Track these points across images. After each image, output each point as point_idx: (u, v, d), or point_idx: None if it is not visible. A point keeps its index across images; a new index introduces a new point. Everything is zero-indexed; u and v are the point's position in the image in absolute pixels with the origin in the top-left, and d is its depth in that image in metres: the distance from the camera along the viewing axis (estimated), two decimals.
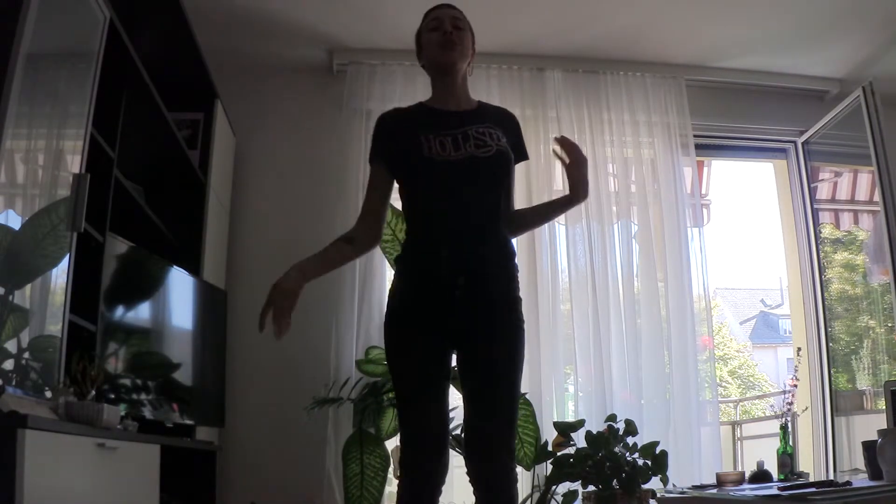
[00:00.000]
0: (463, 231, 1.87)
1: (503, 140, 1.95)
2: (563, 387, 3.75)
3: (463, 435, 1.92)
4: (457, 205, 1.88)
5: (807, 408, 4.00)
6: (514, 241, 2.05)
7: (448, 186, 1.88)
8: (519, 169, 4.11)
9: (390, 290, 1.95)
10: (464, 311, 1.84)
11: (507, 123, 2.04)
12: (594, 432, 3.07)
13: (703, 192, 4.47)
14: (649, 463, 2.99)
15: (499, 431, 1.82)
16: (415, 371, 1.86)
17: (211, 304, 3.34)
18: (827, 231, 4.27)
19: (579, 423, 3.22)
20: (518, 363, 1.88)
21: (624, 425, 3.09)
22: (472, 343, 1.87)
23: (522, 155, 2.06)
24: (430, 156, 1.88)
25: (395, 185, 2.00)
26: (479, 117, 1.99)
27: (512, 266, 1.94)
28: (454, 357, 1.93)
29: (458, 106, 2.01)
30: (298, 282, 1.90)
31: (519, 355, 1.89)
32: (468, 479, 1.86)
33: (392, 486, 3.17)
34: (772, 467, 3.22)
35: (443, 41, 1.96)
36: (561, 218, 3.91)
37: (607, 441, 3.01)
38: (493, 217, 1.92)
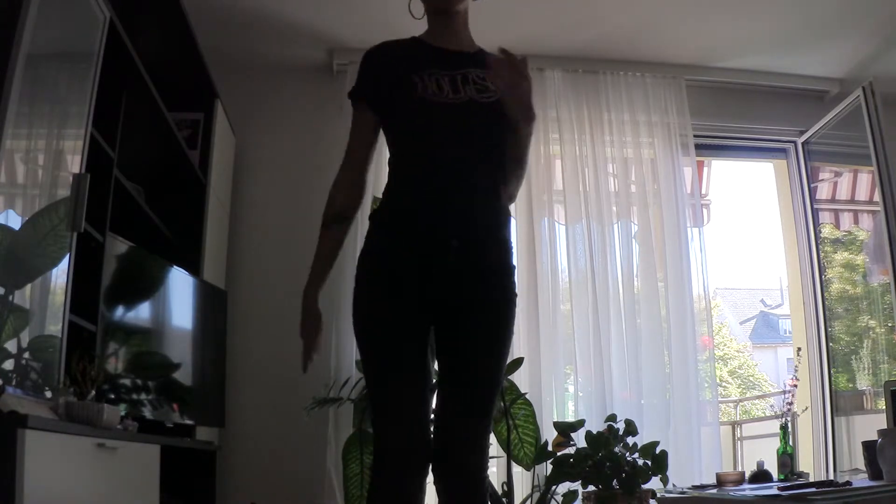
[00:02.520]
0: (459, 187, 1.65)
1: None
2: (563, 387, 3.75)
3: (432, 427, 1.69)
4: (453, 155, 1.66)
5: (807, 408, 4.00)
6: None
7: (443, 133, 1.67)
8: None
9: (362, 252, 1.71)
10: (453, 280, 1.63)
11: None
12: (594, 432, 3.07)
13: (703, 192, 4.47)
14: (649, 463, 2.99)
15: (470, 430, 1.61)
16: (392, 347, 1.62)
17: (211, 304, 3.34)
18: (827, 231, 4.27)
19: (579, 423, 3.22)
20: (505, 339, 1.68)
21: (624, 425, 3.08)
22: (455, 316, 1.65)
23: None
24: (423, 96, 1.65)
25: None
26: (479, 62, 1.73)
27: (508, 230, 1.74)
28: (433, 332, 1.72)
29: (458, 45, 1.79)
30: (315, 308, 1.76)
31: (507, 330, 1.69)
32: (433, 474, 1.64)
33: None
34: (772, 467, 3.22)
35: None
36: (561, 218, 3.92)
37: (607, 441, 3.01)
38: (493, 173, 1.71)
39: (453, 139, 1.67)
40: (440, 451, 1.62)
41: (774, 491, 2.45)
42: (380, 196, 1.79)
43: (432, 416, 1.69)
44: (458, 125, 1.67)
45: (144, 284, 2.82)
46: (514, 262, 1.76)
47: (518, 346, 3.62)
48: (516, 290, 1.73)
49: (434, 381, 1.79)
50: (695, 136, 4.06)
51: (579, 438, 3.15)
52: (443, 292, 1.64)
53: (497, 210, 1.72)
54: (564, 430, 3.19)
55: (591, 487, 2.99)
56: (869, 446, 2.73)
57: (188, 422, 3.02)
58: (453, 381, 1.67)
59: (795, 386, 3.68)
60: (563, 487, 3.16)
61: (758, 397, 12.82)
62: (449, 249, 1.62)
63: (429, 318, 1.67)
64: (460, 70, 1.72)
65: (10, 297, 1.88)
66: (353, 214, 1.79)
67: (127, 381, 2.59)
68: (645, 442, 3.07)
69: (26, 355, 1.93)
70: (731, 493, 2.66)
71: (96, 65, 2.28)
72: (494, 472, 3.43)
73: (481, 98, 1.69)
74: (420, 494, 1.62)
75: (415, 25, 2.06)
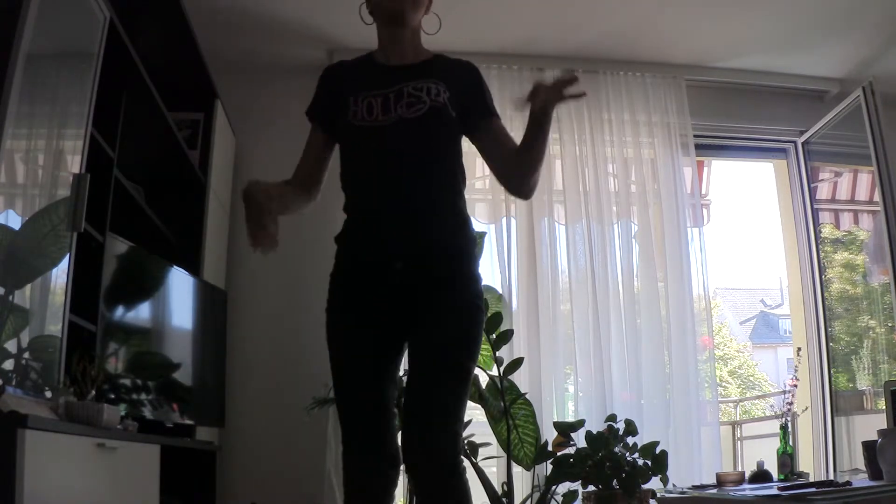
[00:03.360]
0: (397, 207, 1.67)
1: (443, 95, 1.71)
2: (563, 387, 3.75)
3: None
4: (387, 177, 1.68)
5: (807, 408, 4.00)
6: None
7: (373, 155, 1.70)
8: None
9: (331, 273, 1.79)
10: (404, 298, 1.66)
11: (461, 75, 1.79)
12: (594, 432, 3.07)
13: (703, 192, 4.47)
14: (649, 463, 2.99)
15: (431, 432, 1.59)
16: (350, 366, 1.70)
17: (211, 304, 3.34)
18: (827, 231, 4.27)
19: (579, 423, 3.22)
20: (467, 345, 1.67)
21: (624, 425, 3.09)
22: (416, 330, 1.68)
23: (485, 110, 1.78)
24: (352, 121, 1.69)
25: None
26: (423, 72, 1.75)
27: (462, 240, 1.72)
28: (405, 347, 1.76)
29: (401, 59, 1.78)
30: (255, 192, 1.66)
31: (469, 337, 1.68)
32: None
33: None
34: (772, 467, 3.22)
35: None
36: (561, 218, 3.92)
37: (607, 441, 3.01)
38: (435, 185, 1.70)
39: (384, 160, 1.70)
40: (408, 446, 1.63)
41: (774, 491, 2.45)
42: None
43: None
44: (387, 146, 1.69)
45: (144, 284, 2.82)
46: (476, 270, 1.75)
47: (518, 346, 3.62)
48: (478, 299, 1.72)
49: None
50: (695, 136, 4.06)
51: (579, 438, 3.16)
52: (397, 310, 1.69)
53: (441, 224, 1.71)
54: (564, 430, 3.19)
55: (591, 487, 2.99)
56: (869, 446, 2.73)
57: (188, 422, 3.02)
58: (422, 368, 1.67)
59: (795, 386, 3.68)
60: (563, 487, 3.16)
61: (758, 397, 12.82)
62: (394, 271, 1.66)
63: (392, 336, 1.72)
64: (395, 86, 1.72)
65: (10, 297, 1.88)
66: (302, 189, 1.87)
67: (127, 381, 2.59)
68: (645, 442, 3.07)
69: (26, 355, 1.93)
70: (731, 493, 2.66)
71: (96, 65, 2.28)
72: (494, 472, 3.43)
73: (410, 113, 1.68)
74: (385, 494, 1.68)
75: None
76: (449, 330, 1.66)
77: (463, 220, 1.75)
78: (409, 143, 1.69)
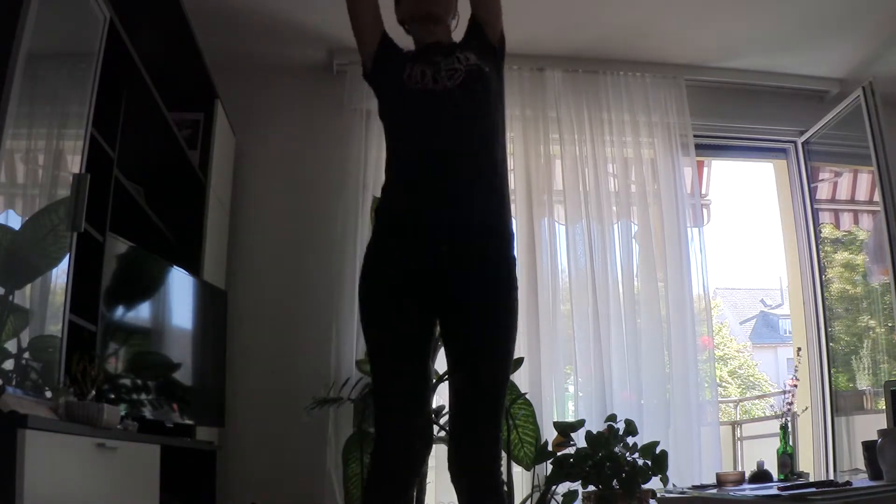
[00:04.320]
0: (447, 178, 1.71)
1: (472, 58, 1.82)
2: (563, 387, 3.75)
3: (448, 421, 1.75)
4: (434, 149, 1.73)
5: (807, 408, 4.00)
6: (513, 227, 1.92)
7: (425, 122, 1.76)
8: (519, 168, 4.10)
9: (367, 248, 1.80)
10: (448, 274, 1.70)
11: (471, 34, 1.94)
12: (594, 432, 3.07)
13: (703, 192, 4.47)
14: (649, 463, 2.99)
15: (482, 419, 1.65)
16: (393, 342, 1.70)
17: (211, 304, 3.34)
18: (827, 231, 4.27)
19: (579, 423, 3.22)
20: (509, 326, 1.73)
21: (624, 425, 3.09)
22: (457, 310, 1.71)
23: (497, 39, 1.94)
24: (408, 84, 1.77)
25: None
26: (453, 48, 1.89)
27: (506, 214, 1.77)
28: (438, 325, 1.79)
29: (437, 39, 1.93)
30: None
31: (511, 318, 1.74)
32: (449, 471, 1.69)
33: None
34: (772, 467, 3.22)
35: None
36: (561, 218, 3.92)
37: (607, 441, 3.01)
38: (483, 152, 1.76)
39: (434, 128, 1.75)
40: (455, 439, 1.68)
41: (774, 491, 2.45)
42: (378, 195, 1.85)
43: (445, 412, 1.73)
44: (441, 112, 1.75)
45: (144, 284, 2.82)
46: (515, 253, 1.80)
47: (518, 346, 3.58)
48: (516, 282, 1.76)
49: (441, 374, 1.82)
50: (695, 136, 4.06)
51: (579, 438, 3.16)
52: (440, 290, 1.71)
53: (491, 190, 1.74)
54: (564, 430, 3.19)
55: (591, 487, 2.99)
56: (869, 446, 2.73)
57: (188, 422, 3.02)
58: (462, 370, 1.71)
59: (795, 386, 3.68)
60: (563, 487, 3.16)
61: (758, 397, 12.81)
62: (440, 244, 1.68)
63: (429, 315, 1.74)
64: (436, 60, 1.82)
65: (10, 297, 1.89)
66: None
67: (127, 381, 2.59)
68: (645, 442, 3.08)
69: (26, 355, 1.93)
70: (731, 493, 2.66)
71: (96, 65, 2.28)
72: None
73: (453, 83, 1.76)
74: (414, 481, 1.69)
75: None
76: (495, 315, 1.70)
77: (502, 198, 1.78)
78: (457, 110, 1.75)
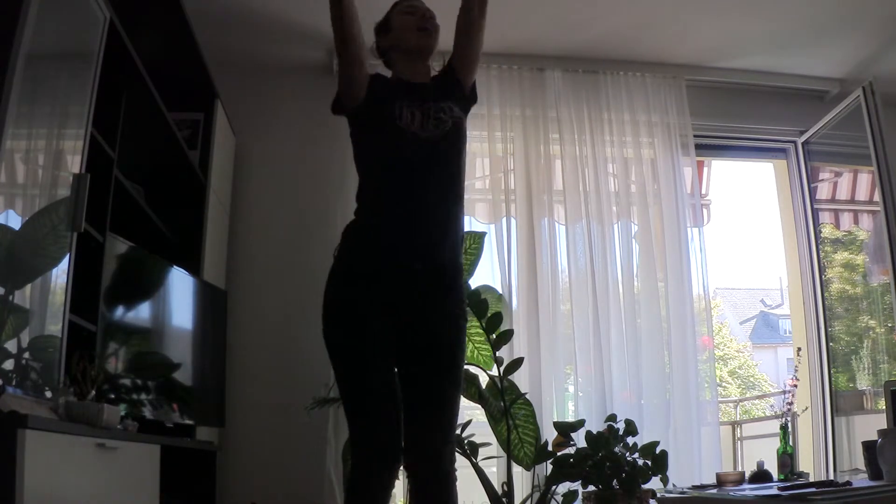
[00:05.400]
0: (421, 213, 1.85)
1: (456, 110, 1.96)
2: (563, 387, 3.75)
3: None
4: (414, 184, 1.86)
5: (807, 408, 4.00)
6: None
7: (407, 161, 1.87)
8: (519, 168, 4.10)
9: (332, 269, 1.92)
10: (414, 297, 1.84)
11: (450, 78, 2.04)
12: (594, 432, 3.07)
13: (703, 192, 4.47)
14: (649, 463, 2.99)
15: (435, 438, 1.79)
16: (367, 351, 1.82)
17: (211, 304, 3.34)
18: (827, 231, 4.27)
19: (579, 423, 3.22)
20: (462, 344, 1.88)
21: (624, 425, 3.09)
22: (417, 329, 1.85)
23: (471, 95, 2.06)
24: (399, 124, 1.86)
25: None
26: (439, 91, 2.00)
27: (460, 255, 1.94)
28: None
29: (425, 80, 2.04)
30: None
31: (463, 338, 1.90)
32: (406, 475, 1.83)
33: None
34: (772, 467, 3.22)
35: (423, 25, 1.98)
36: (561, 218, 3.92)
37: (607, 441, 3.01)
38: (453, 195, 1.91)
39: (414, 167, 1.86)
40: (411, 446, 1.79)
41: (774, 491, 2.45)
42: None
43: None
44: (420, 155, 1.86)
45: (144, 284, 2.82)
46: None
47: (518, 346, 3.62)
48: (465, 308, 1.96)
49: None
50: (695, 136, 4.06)
51: (579, 438, 3.16)
52: (407, 309, 1.84)
53: (454, 237, 1.90)
54: (564, 430, 3.19)
55: (591, 487, 2.99)
56: (869, 446, 2.73)
57: (188, 422, 3.02)
58: (420, 388, 1.84)
59: (795, 386, 3.68)
60: (563, 487, 3.16)
61: (758, 397, 12.82)
62: (412, 273, 1.83)
63: (393, 331, 1.85)
64: (426, 104, 1.92)
65: (10, 297, 1.88)
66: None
67: (127, 381, 2.59)
68: (645, 442, 3.08)
69: (26, 355, 1.93)
70: (731, 493, 2.66)
71: (96, 65, 2.28)
72: (494, 472, 3.43)
73: (439, 130, 1.89)
74: (390, 488, 1.80)
75: None
76: (450, 336, 1.86)
77: (462, 235, 1.97)
78: (437, 156, 1.88)
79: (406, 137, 1.86)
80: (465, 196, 1.98)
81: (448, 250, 1.88)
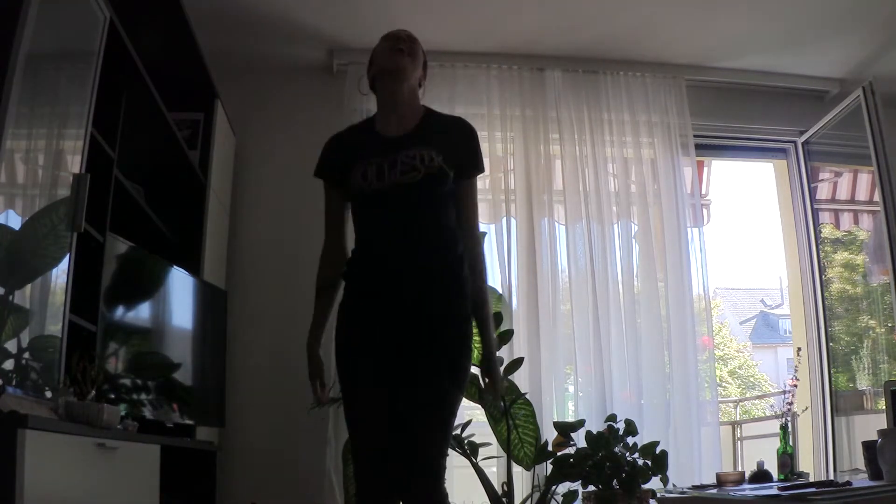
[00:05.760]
0: (393, 258, 1.91)
1: (437, 160, 1.91)
2: (563, 387, 3.75)
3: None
4: (392, 235, 1.92)
5: (807, 408, 4.00)
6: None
7: (378, 217, 1.95)
8: (519, 168, 4.10)
9: (339, 306, 2.00)
10: (401, 334, 1.89)
11: (453, 136, 2.01)
12: (594, 432, 3.07)
13: (703, 192, 4.47)
14: (649, 463, 2.99)
15: (426, 465, 1.80)
16: (372, 404, 1.91)
17: (211, 304, 3.34)
18: (827, 231, 4.27)
19: (579, 423, 3.22)
20: (453, 381, 1.87)
21: (624, 425, 3.09)
22: (407, 358, 1.88)
23: (473, 168, 2.01)
24: (361, 184, 1.93)
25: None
26: (416, 138, 1.97)
27: (458, 283, 1.93)
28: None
29: (398, 127, 2.01)
30: (317, 356, 2.05)
31: (457, 369, 1.89)
32: None
33: None
34: (772, 467, 3.22)
35: (393, 47, 2.03)
36: (561, 218, 3.92)
37: (607, 441, 3.01)
38: (429, 235, 1.93)
39: (386, 220, 1.93)
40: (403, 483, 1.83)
41: (774, 491, 2.45)
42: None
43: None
44: (388, 207, 1.92)
45: (144, 284, 2.83)
46: (466, 311, 1.95)
47: (518, 346, 3.62)
48: (469, 339, 1.94)
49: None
50: (695, 136, 4.06)
51: (579, 438, 3.16)
52: (395, 340, 1.89)
53: (442, 263, 1.92)
54: (564, 430, 3.19)
55: (591, 487, 2.99)
56: (869, 446, 2.73)
57: (188, 422, 3.02)
58: (410, 417, 1.86)
59: (795, 386, 3.68)
60: (563, 487, 3.16)
61: (758, 397, 12.82)
62: (392, 312, 1.89)
63: (392, 363, 1.89)
64: (391, 156, 1.93)
65: (10, 297, 1.89)
66: (339, 281, 2.05)
67: (127, 381, 2.59)
68: (645, 442, 3.08)
69: (26, 355, 1.93)
70: (731, 493, 2.66)
71: (96, 65, 2.28)
72: (494, 472, 3.43)
73: (405, 179, 1.90)
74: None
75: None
76: (439, 363, 1.87)
77: (459, 264, 1.95)
78: (405, 202, 1.91)
79: (366, 196, 1.94)
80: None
81: (437, 296, 1.90)
